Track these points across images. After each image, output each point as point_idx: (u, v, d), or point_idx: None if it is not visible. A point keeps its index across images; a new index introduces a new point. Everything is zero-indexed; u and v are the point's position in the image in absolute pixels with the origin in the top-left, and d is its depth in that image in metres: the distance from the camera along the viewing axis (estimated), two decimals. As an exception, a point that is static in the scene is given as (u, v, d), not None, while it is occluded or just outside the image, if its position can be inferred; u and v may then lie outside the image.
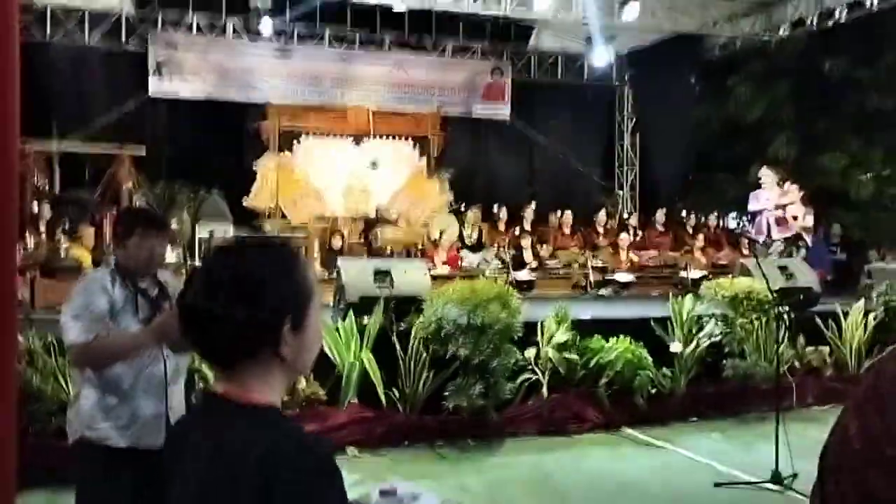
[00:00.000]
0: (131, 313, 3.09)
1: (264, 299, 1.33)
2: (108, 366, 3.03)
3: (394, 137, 14.45)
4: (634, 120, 16.29)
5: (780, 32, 13.05)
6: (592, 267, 11.61)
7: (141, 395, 3.07)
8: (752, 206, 10.53)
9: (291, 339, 1.35)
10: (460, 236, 12.54)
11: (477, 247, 12.39)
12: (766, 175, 10.46)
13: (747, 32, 13.25)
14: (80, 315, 3.01)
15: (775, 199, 10.19)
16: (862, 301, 8.32)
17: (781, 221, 10.08)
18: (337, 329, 6.34)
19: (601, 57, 13.70)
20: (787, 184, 10.48)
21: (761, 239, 9.96)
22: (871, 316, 7.93)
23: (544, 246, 12.45)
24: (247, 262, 1.37)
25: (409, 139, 14.55)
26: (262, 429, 1.30)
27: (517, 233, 12.36)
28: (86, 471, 3.11)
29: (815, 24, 12.48)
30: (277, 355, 1.35)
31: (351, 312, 6.46)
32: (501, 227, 12.96)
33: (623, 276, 11.39)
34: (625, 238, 12.61)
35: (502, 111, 15.48)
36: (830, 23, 12.33)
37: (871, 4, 11.49)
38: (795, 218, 10.22)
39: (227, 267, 1.36)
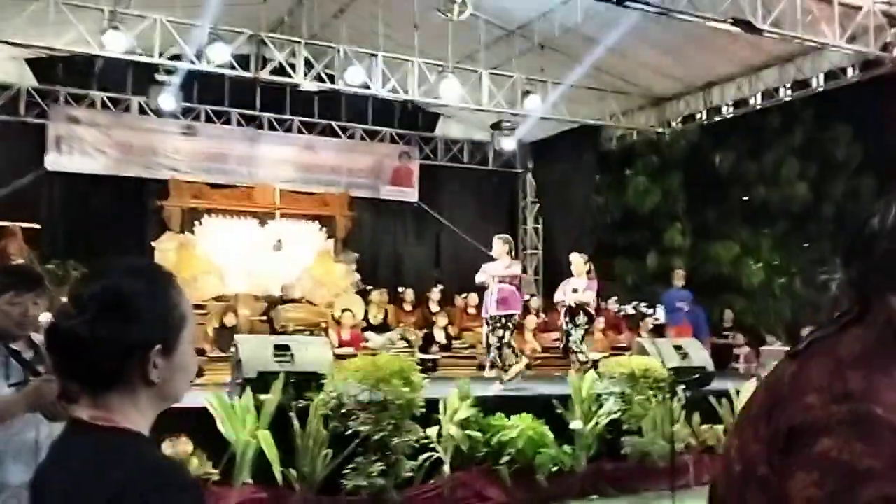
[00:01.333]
0: (2, 377, 2.96)
1: (133, 319, 1.30)
2: None
3: (300, 218, 14.44)
4: (538, 206, 16.74)
5: (673, 126, 13.75)
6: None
7: (10, 462, 2.92)
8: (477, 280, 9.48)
9: (162, 363, 1.32)
10: (366, 317, 12.51)
11: (382, 328, 12.36)
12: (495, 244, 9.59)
13: (642, 125, 13.92)
14: None
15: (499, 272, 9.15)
16: (753, 380, 8.62)
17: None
18: (232, 406, 6.17)
19: (505, 145, 14.12)
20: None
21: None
22: (761, 394, 8.19)
23: (450, 327, 12.53)
24: (116, 282, 1.34)
25: (316, 220, 14.56)
26: (122, 455, 1.26)
27: (432, 310, 12.43)
28: None
29: (704, 119, 13.21)
30: (145, 379, 1.31)
31: (248, 389, 6.31)
32: (407, 307, 13.00)
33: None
34: (530, 320, 12.81)
35: (409, 195, 15.71)
36: (718, 118, 13.07)
37: (755, 102, 12.25)
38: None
39: (96, 287, 1.32)
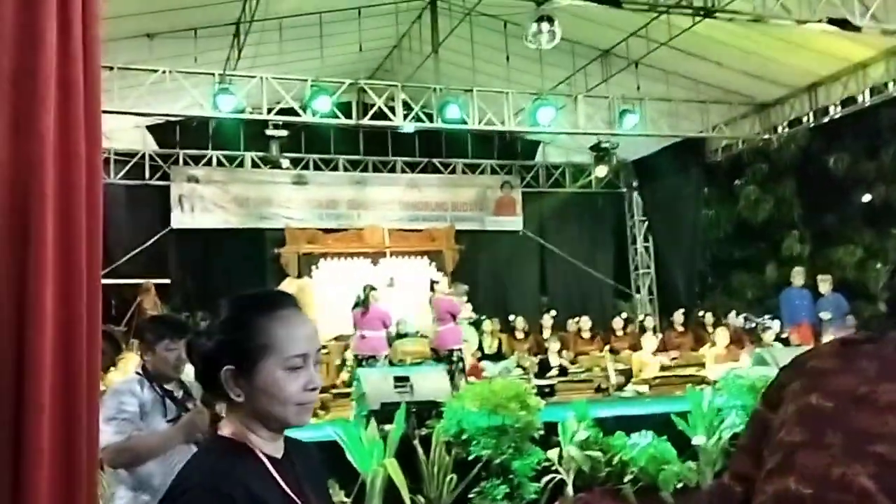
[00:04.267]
0: (160, 414, 3.29)
1: (211, 341, 1.53)
2: (140, 464, 3.19)
3: (410, 255, 14.80)
4: (646, 224, 16.57)
5: (779, 131, 13.41)
6: (615, 370, 11.62)
7: None
8: None
9: (244, 384, 1.51)
10: (480, 347, 12.65)
11: (497, 357, 12.47)
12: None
13: (747, 133, 13.64)
14: (113, 418, 3.19)
15: None
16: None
17: None
18: (359, 437, 6.41)
19: (606, 166, 14.10)
20: None
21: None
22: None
23: (565, 352, 12.52)
24: (221, 308, 1.57)
25: (425, 255, 14.89)
26: (198, 457, 1.55)
27: (545, 336, 12.48)
28: None
29: (811, 121, 12.84)
30: (228, 396, 1.52)
31: (373, 420, 6.54)
32: (520, 335, 13.08)
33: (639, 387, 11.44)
34: (647, 339, 12.65)
35: (514, 223, 15.86)
36: (826, 119, 12.67)
37: (864, 99, 11.85)
38: None
39: (213, 314, 1.57)
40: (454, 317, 10.56)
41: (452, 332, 10.47)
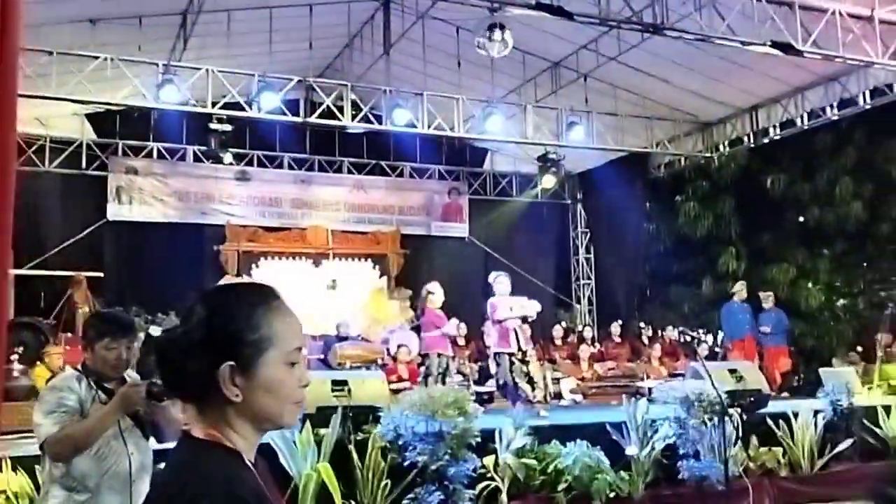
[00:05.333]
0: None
1: (202, 336, 1.35)
2: (83, 450, 3.08)
3: (353, 258, 14.70)
4: (589, 236, 16.75)
5: (720, 150, 13.69)
6: (552, 379, 11.70)
7: (107, 493, 3.11)
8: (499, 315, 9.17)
9: (242, 381, 1.35)
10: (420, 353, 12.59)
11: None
12: (501, 283, 9.52)
13: (690, 150, 13.90)
14: (52, 412, 3.11)
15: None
16: (811, 401, 8.51)
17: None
18: (293, 440, 6.31)
19: (553, 177, 14.21)
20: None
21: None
22: (819, 416, 8.07)
23: (503, 360, 12.55)
24: (203, 300, 1.40)
25: (369, 258, 14.81)
26: (192, 464, 1.34)
27: (487, 344, 12.47)
28: None
29: (752, 142, 13.14)
30: (224, 396, 1.35)
31: (308, 424, 6.45)
32: (461, 342, 13.07)
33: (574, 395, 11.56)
34: (584, 350, 12.80)
35: (460, 230, 15.89)
36: (766, 140, 12.99)
37: (803, 122, 12.17)
38: None
39: (190, 304, 1.40)
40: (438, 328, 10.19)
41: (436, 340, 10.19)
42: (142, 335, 11.67)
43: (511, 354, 9.04)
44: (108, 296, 12.66)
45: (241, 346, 1.36)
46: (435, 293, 10.21)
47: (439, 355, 9.97)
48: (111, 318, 3.39)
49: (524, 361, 9.06)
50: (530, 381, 9.00)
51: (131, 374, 3.35)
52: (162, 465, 1.48)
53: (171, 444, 3.35)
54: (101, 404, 3.17)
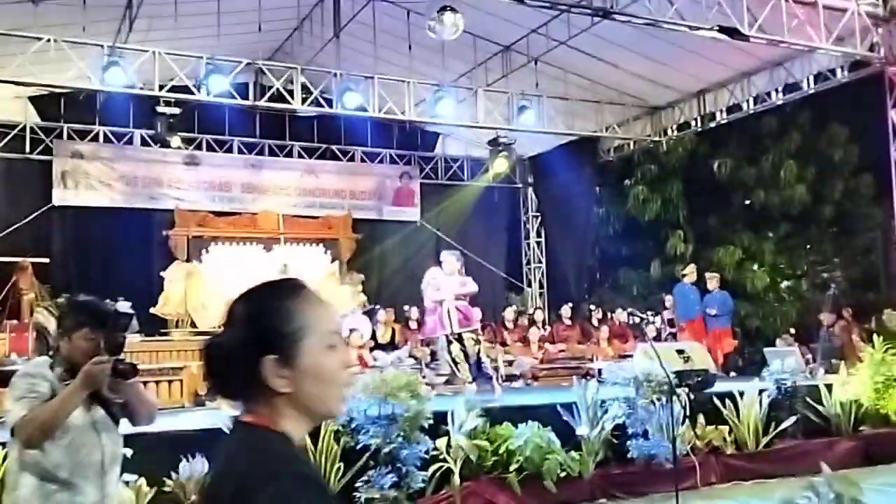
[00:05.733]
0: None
1: (242, 332, 1.42)
2: (52, 433, 3.02)
3: (305, 242, 14.62)
4: (539, 220, 16.88)
5: (668, 134, 13.88)
6: (503, 361, 11.82)
7: (80, 482, 3.08)
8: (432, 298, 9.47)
9: (288, 373, 1.40)
10: (373, 336, 12.62)
11: (390, 347, 12.46)
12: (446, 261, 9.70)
13: (639, 134, 14.07)
14: (23, 397, 3.05)
15: (455, 289, 9.36)
16: (756, 380, 8.74)
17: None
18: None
19: (505, 160, 14.26)
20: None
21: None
22: (764, 394, 8.29)
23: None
24: (241, 299, 1.47)
25: (320, 243, 14.73)
26: (253, 447, 1.38)
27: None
28: None
29: (699, 126, 13.35)
30: (272, 389, 1.40)
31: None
32: (413, 325, 13.11)
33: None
34: (535, 332, 12.94)
35: (412, 214, 15.89)
36: (713, 124, 13.21)
37: (749, 106, 12.39)
38: None
39: (230, 306, 1.47)
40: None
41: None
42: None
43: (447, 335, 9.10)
44: (55, 282, 12.43)
45: (280, 338, 1.41)
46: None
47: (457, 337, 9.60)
48: (91, 309, 3.27)
49: (461, 341, 9.10)
50: (456, 363, 9.05)
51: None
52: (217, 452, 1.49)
53: (146, 428, 3.33)
54: None
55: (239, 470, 1.35)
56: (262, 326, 1.42)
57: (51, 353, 3.27)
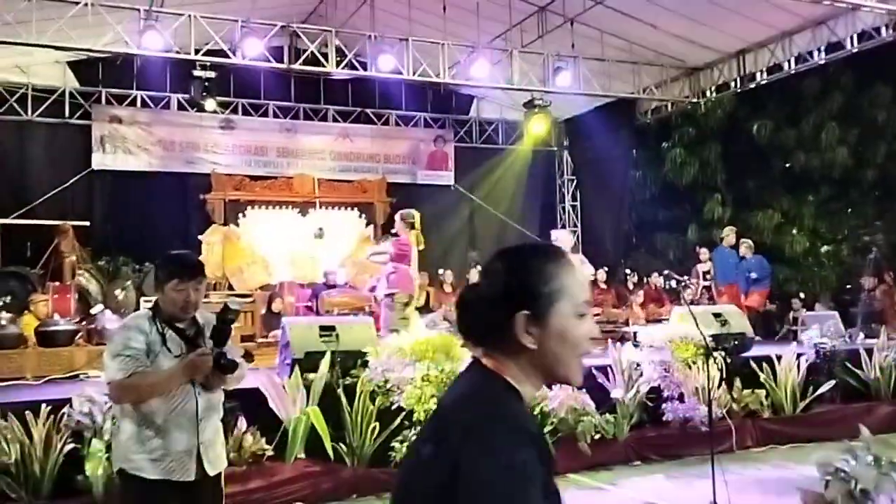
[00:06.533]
0: (167, 352, 3.26)
1: (501, 286, 1.49)
2: (143, 401, 3.20)
3: (340, 206, 14.67)
4: (575, 183, 16.75)
5: (707, 95, 13.62)
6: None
7: (174, 430, 3.22)
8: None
9: (536, 331, 1.47)
10: (408, 300, 12.66)
11: (424, 310, 12.50)
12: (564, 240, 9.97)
13: (677, 96, 13.83)
14: (118, 354, 3.20)
15: None
16: (794, 345, 8.65)
17: None
18: (283, 385, 6.39)
19: (540, 123, 14.11)
20: None
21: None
22: (802, 359, 8.21)
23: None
24: (502, 256, 1.55)
25: (355, 207, 14.78)
26: (484, 393, 1.46)
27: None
28: (124, 500, 3.32)
29: (738, 87, 13.08)
30: (519, 343, 1.47)
31: (297, 368, 6.51)
32: (448, 289, 13.16)
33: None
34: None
35: (446, 178, 15.86)
36: (753, 85, 12.94)
37: (790, 67, 12.12)
38: None
39: (489, 261, 1.56)
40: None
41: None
42: (128, 283, 11.74)
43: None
44: (95, 245, 12.66)
45: (536, 297, 1.47)
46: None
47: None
48: (179, 260, 3.42)
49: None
50: None
51: (202, 319, 3.40)
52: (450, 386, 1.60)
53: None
54: (167, 350, 3.24)
55: (467, 407, 1.44)
56: (521, 282, 1.48)
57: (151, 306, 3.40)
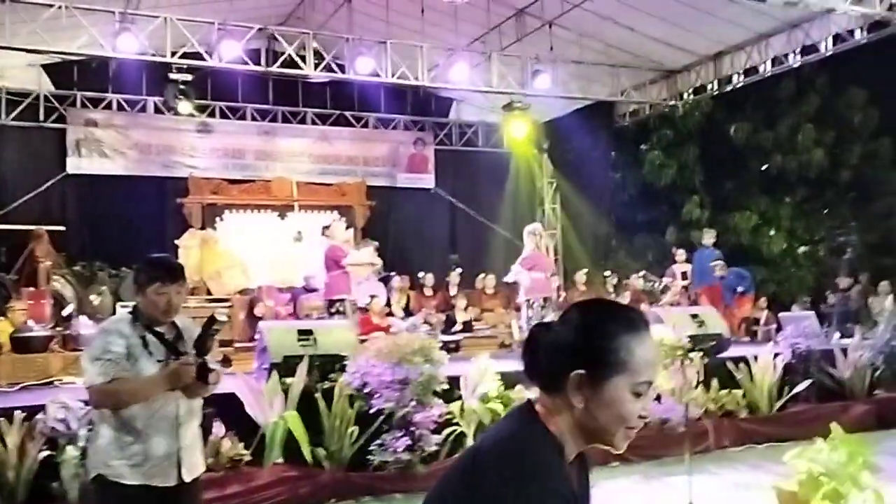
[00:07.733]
0: (148, 356, 3.22)
1: (569, 341, 1.49)
2: (123, 407, 3.16)
3: (319, 209, 14.61)
4: (554, 185, 16.77)
5: (685, 98, 13.71)
6: (518, 326, 11.81)
7: (154, 435, 3.18)
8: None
9: (588, 392, 1.46)
10: (388, 304, 12.64)
11: (405, 313, 12.49)
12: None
13: (654, 98, 13.91)
14: (98, 358, 3.16)
15: None
16: (770, 345, 8.71)
17: None
18: (261, 390, 6.35)
19: (521, 125, 14.12)
20: None
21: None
22: (779, 359, 8.26)
23: (471, 308, 12.68)
24: (581, 310, 1.54)
25: (335, 210, 14.73)
26: (518, 437, 1.47)
27: (452, 293, 12.59)
28: None
29: (715, 89, 13.18)
30: (566, 398, 1.47)
31: (275, 373, 6.48)
32: (428, 292, 13.14)
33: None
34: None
35: (426, 181, 15.85)
36: (729, 88, 13.04)
37: (766, 69, 12.22)
38: None
39: (570, 308, 1.55)
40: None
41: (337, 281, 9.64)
42: (103, 287, 11.62)
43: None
44: (71, 249, 12.53)
45: (597, 361, 1.47)
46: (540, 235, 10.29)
47: (545, 300, 9.85)
48: (161, 264, 3.41)
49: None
50: None
51: (181, 323, 3.38)
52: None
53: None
54: (148, 353, 3.21)
55: (506, 457, 1.43)
56: (588, 342, 1.47)
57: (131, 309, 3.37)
